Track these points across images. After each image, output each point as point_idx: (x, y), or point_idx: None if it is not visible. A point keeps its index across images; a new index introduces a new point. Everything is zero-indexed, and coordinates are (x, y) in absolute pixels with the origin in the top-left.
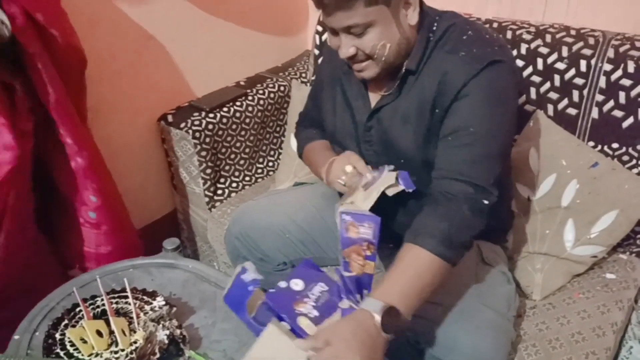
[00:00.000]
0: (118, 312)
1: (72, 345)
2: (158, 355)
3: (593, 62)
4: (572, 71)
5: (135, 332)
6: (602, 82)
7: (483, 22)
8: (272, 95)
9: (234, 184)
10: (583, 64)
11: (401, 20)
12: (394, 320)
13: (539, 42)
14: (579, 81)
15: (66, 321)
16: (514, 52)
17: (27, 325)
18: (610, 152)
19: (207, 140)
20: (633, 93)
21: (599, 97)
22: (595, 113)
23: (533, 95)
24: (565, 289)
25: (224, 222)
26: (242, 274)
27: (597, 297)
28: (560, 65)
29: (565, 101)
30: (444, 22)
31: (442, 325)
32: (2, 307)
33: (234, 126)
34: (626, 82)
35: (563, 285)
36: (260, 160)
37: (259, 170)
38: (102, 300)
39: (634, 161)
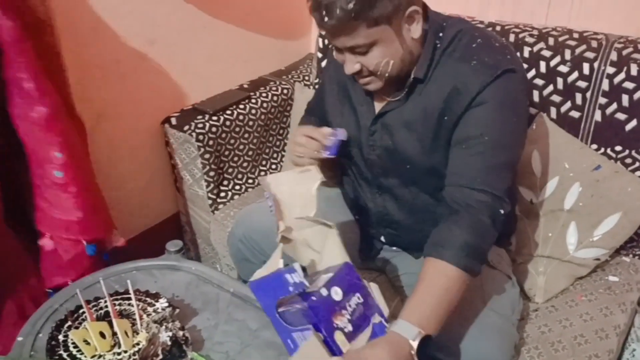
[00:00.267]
0: (121, 314)
1: (75, 347)
2: (161, 356)
3: (596, 65)
4: (575, 74)
5: (138, 333)
6: (605, 85)
7: (486, 25)
8: (275, 98)
9: (237, 187)
10: (586, 66)
11: (404, 35)
12: (427, 346)
13: (541, 45)
14: (581, 84)
15: (69, 323)
16: (517, 55)
17: (31, 327)
18: (613, 155)
19: (211, 143)
20: (636, 96)
21: (602, 100)
22: (598, 116)
23: (536, 98)
24: (568, 291)
25: (227, 225)
26: (288, 273)
27: (599, 300)
28: (563, 68)
29: (568, 104)
30: (451, 28)
31: (447, 328)
32: None
33: (237, 129)
34: (629, 85)
35: (566, 288)
36: (264, 163)
37: (262, 173)
38: (105, 302)
39: (637, 164)
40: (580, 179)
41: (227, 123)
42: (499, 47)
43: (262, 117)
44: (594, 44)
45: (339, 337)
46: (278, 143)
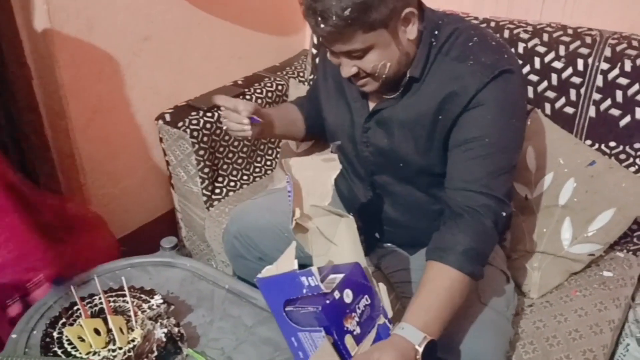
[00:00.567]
0: (116, 311)
1: (70, 343)
2: (156, 353)
3: (590, 61)
4: (570, 70)
5: (133, 330)
6: (599, 81)
7: (480, 22)
8: (270, 94)
9: (232, 183)
10: (580, 62)
11: (400, 38)
12: (431, 351)
13: (536, 41)
14: (576, 80)
15: (64, 320)
16: (514, 54)
17: (25, 324)
18: (608, 151)
19: (205, 139)
20: (630, 92)
21: (596, 96)
22: (592, 112)
23: (530, 94)
24: (563, 287)
25: (221, 221)
26: (304, 276)
27: (594, 295)
28: (558, 64)
29: (563, 100)
30: (447, 27)
31: None
32: None
33: None
34: (623, 80)
35: (560, 284)
36: (258, 159)
37: (257, 169)
38: (100, 298)
39: (631, 159)
40: (575, 174)
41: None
42: (495, 46)
43: None
44: (588, 40)
45: (348, 341)
46: (273, 139)
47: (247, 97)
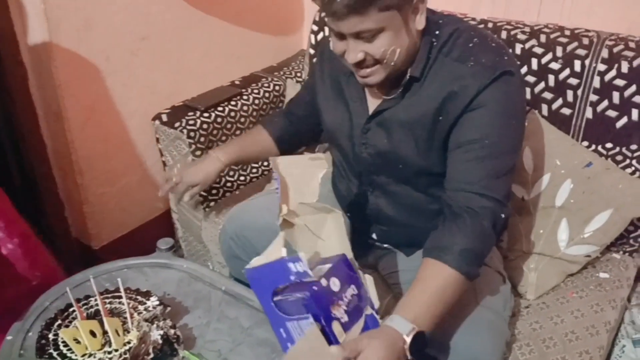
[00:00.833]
0: (112, 312)
1: (66, 345)
2: (152, 355)
3: (587, 62)
4: (567, 71)
5: (129, 332)
6: (596, 82)
7: (478, 22)
8: (267, 94)
9: (229, 184)
10: (577, 64)
11: (410, 25)
12: (420, 343)
13: (533, 42)
14: (573, 81)
15: (59, 321)
16: (513, 55)
17: (20, 326)
18: (604, 152)
19: (202, 139)
20: (627, 93)
21: (593, 97)
22: (589, 113)
23: (528, 95)
24: (559, 288)
25: (218, 222)
26: (291, 262)
27: (590, 297)
28: (555, 65)
29: (560, 101)
30: (447, 27)
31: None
32: None
33: (228, 125)
34: (620, 82)
35: (557, 285)
36: None
37: (254, 170)
38: (96, 300)
39: (628, 161)
40: (572, 175)
41: (219, 120)
42: (495, 47)
43: (254, 113)
44: (585, 41)
45: (336, 328)
46: None
47: (244, 97)
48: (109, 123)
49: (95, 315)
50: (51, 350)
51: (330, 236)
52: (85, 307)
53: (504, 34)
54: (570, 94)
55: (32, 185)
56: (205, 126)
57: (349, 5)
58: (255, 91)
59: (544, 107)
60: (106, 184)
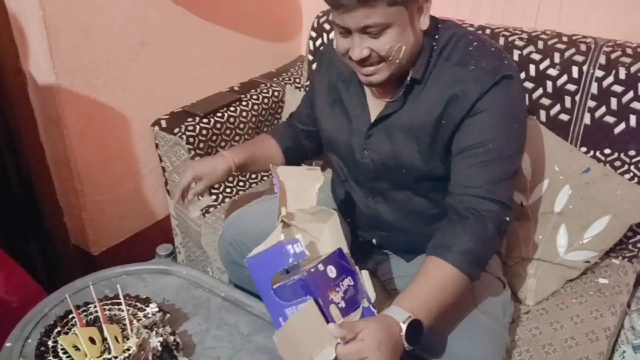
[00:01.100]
0: (111, 319)
1: (65, 352)
2: None
3: (585, 68)
4: (564, 77)
5: (128, 339)
6: (594, 88)
7: (476, 28)
8: (266, 100)
9: (228, 190)
10: (575, 70)
11: (415, 24)
12: (416, 332)
13: (531, 48)
14: (571, 87)
15: (59, 328)
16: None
17: (19, 333)
18: (603, 158)
19: (201, 145)
20: (624, 99)
21: (591, 103)
22: (587, 119)
23: (526, 101)
24: (559, 294)
25: (217, 228)
26: (289, 244)
27: (590, 302)
28: (553, 72)
29: (558, 107)
30: (445, 31)
31: (437, 331)
32: None
33: (227, 131)
34: (618, 88)
35: (556, 291)
36: None
37: (253, 176)
38: (95, 307)
39: (626, 167)
40: (570, 181)
41: (218, 125)
42: (495, 51)
43: (253, 119)
44: (583, 47)
45: (333, 311)
46: None
47: (244, 103)
48: (108, 129)
49: (94, 322)
50: (50, 357)
51: (328, 239)
52: (84, 313)
53: (501, 40)
54: (568, 100)
55: (30, 191)
56: (204, 132)
57: None
58: (254, 97)
59: (542, 113)
60: (105, 190)
